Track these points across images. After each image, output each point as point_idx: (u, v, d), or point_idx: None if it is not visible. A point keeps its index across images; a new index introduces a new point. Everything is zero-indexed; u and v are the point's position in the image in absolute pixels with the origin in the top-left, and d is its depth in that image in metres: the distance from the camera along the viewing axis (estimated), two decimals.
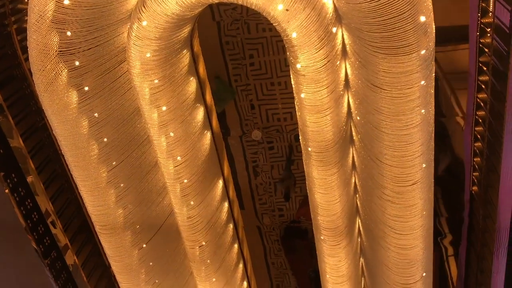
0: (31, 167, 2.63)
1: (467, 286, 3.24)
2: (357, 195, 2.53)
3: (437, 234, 3.39)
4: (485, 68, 2.29)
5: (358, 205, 2.56)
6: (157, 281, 2.64)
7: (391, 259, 2.37)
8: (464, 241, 3.01)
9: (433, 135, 1.97)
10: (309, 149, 2.13)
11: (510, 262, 2.62)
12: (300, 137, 2.18)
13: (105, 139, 2.09)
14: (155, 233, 2.49)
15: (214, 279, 2.85)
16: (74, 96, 1.90)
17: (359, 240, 2.74)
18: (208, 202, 2.51)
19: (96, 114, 2.01)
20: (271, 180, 3.88)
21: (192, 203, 2.42)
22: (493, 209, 2.47)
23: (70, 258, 3.01)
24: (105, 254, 2.56)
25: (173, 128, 2.14)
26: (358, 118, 2.06)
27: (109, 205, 2.24)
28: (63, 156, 2.16)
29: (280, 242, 4.22)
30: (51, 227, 2.94)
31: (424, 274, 2.44)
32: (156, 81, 1.99)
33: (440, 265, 3.53)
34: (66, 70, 1.82)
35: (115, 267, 2.52)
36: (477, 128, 2.53)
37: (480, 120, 2.47)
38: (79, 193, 2.28)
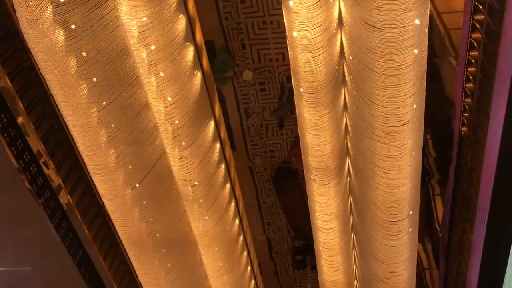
0: (20, 108, 2.60)
1: (452, 223, 3.35)
2: (347, 136, 2.55)
3: (425, 173, 3.46)
4: (481, 7, 2.24)
5: (349, 145, 2.59)
6: (151, 219, 2.69)
7: (379, 198, 2.43)
8: (451, 181, 3.08)
9: (425, 75, 1.96)
10: (301, 89, 2.12)
11: (493, 200, 2.69)
12: (292, 78, 2.16)
13: (94, 79, 2.06)
14: (147, 173, 2.52)
15: (206, 217, 2.92)
16: (60, 34, 1.85)
17: (348, 179, 2.79)
18: (199, 143, 2.52)
19: (84, 53, 1.97)
20: (263, 122, 3.88)
21: (183, 144, 2.43)
22: (481, 149, 2.51)
23: (64, 198, 3.05)
24: (98, 193, 2.59)
25: (163, 67, 2.11)
26: (350, 58, 2.04)
27: (101, 145, 2.24)
28: (52, 96, 2.13)
29: (271, 182, 4.29)
30: (44, 168, 2.95)
31: (410, 212, 2.51)
32: (144, 18, 1.94)
33: (426, 204, 3.63)
34: (51, 7, 1.76)
35: (109, 206, 2.56)
36: (469, 69, 2.52)
37: (473, 61, 2.45)
38: (70, 133, 2.27)
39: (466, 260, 3.27)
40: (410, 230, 2.62)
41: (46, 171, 2.98)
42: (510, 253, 2.86)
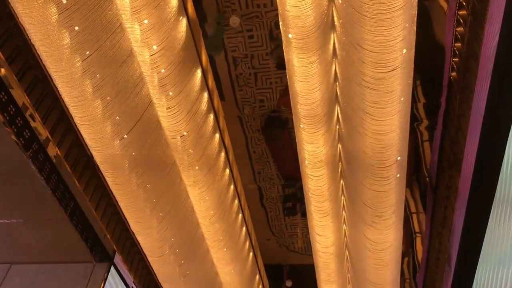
0: (1, 58, 2.53)
1: (440, 168, 3.40)
2: (336, 83, 2.53)
3: (414, 119, 3.47)
4: None
5: (338, 92, 2.57)
6: (140, 170, 2.69)
7: (368, 144, 2.44)
8: (440, 126, 3.10)
9: (415, 19, 1.92)
10: (290, 35, 2.08)
11: (480, 145, 2.72)
12: (280, 24, 2.11)
13: (76, 27, 1.99)
14: (135, 124, 2.49)
15: (196, 167, 2.93)
16: None
17: (337, 127, 2.79)
18: (187, 92, 2.49)
19: (64, 0, 1.89)
20: (251, 70, 3.83)
21: (170, 93, 2.39)
22: (470, 94, 2.51)
23: (52, 150, 3.03)
24: (86, 145, 2.57)
25: (147, 14, 2.04)
26: (340, 1, 1.99)
27: (86, 96, 2.20)
28: (33, 46, 2.07)
29: (261, 132, 4.29)
30: (30, 121, 2.91)
31: (398, 158, 2.53)
32: None
33: (415, 150, 3.67)
34: None
35: (97, 157, 2.55)
36: (460, 12, 2.47)
37: (464, 3, 2.40)
38: (54, 84, 2.22)
39: (453, 204, 3.34)
40: (398, 175, 2.65)
41: (32, 124, 2.94)
42: (495, 197, 2.92)
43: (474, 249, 3.48)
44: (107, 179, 2.72)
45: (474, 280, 3.70)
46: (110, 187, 2.83)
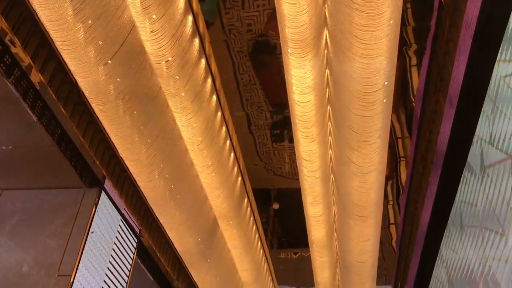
0: None
1: (426, 93, 3.41)
2: (325, 5, 2.46)
3: (403, 43, 3.43)
4: None
5: (326, 15, 2.51)
6: (126, 96, 2.66)
7: (356, 69, 2.43)
8: (428, 50, 3.07)
9: None
10: None
11: (467, 72, 2.72)
12: None
13: None
14: (118, 49, 2.43)
15: (183, 94, 2.90)
16: None
17: (325, 51, 2.75)
18: (170, 15, 2.41)
19: None
20: None
21: (154, 16, 2.31)
22: (460, 17, 2.46)
23: (35, 76, 2.97)
24: (70, 70, 2.52)
25: None
26: None
27: (66, 19, 2.12)
28: None
29: (249, 58, 4.21)
30: (10, 46, 2.83)
31: (386, 83, 2.53)
32: None
33: (402, 75, 3.65)
34: None
35: (82, 83, 2.51)
36: None
37: None
38: (32, 7, 2.14)
39: (438, 128, 3.40)
40: (385, 100, 2.66)
41: (13, 50, 2.86)
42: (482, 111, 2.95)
43: (455, 172, 3.58)
44: (93, 106, 2.70)
45: (454, 203, 3.85)
46: (97, 114, 2.81)
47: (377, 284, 5.09)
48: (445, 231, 4.20)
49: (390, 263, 6.28)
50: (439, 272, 4.56)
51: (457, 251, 3.87)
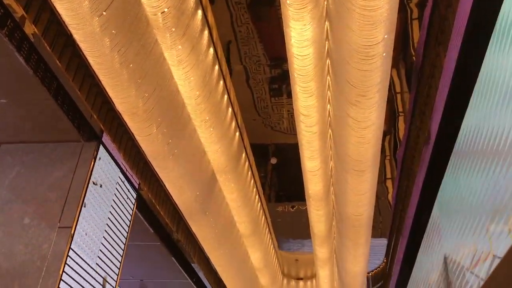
0: None
1: (426, 46, 3.36)
2: None
3: None
4: None
5: None
6: (122, 48, 2.62)
7: (355, 21, 2.38)
8: (430, 2, 3.00)
9: None
10: None
11: (469, 23, 2.67)
12: None
13: None
14: (112, 0, 2.37)
15: (179, 47, 2.86)
16: None
17: (325, 3, 2.69)
18: None
19: None
20: None
21: None
22: None
23: (29, 28, 2.91)
24: (65, 22, 2.47)
25: None
26: None
27: None
28: None
29: (247, 10, 4.12)
30: None
31: (386, 36, 2.48)
32: None
33: (403, 28, 3.59)
34: None
35: (77, 35, 2.46)
36: None
37: None
38: None
39: (437, 83, 3.37)
40: (384, 54, 2.62)
41: (5, 0, 2.79)
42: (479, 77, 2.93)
43: (453, 127, 3.58)
44: (89, 58, 2.66)
45: (450, 158, 3.87)
46: (93, 67, 2.77)
47: (372, 236, 5.19)
48: (440, 185, 4.25)
49: (385, 217, 6.39)
50: (433, 225, 4.65)
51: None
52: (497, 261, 2.84)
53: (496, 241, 2.85)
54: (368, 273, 7.42)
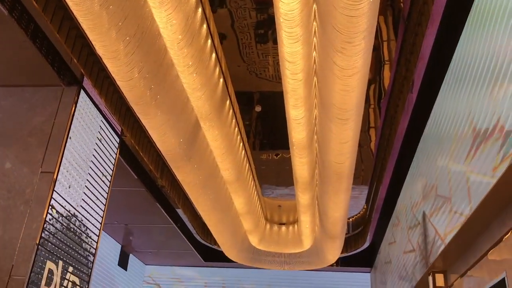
0: None
1: None
2: None
3: None
4: None
5: None
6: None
7: None
8: None
9: None
10: None
11: None
12: None
13: None
14: None
15: None
16: None
17: None
18: None
19: None
20: None
21: None
22: None
23: None
24: None
25: None
26: None
27: None
28: None
29: None
30: None
31: None
32: None
33: None
34: None
35: None
36: None
37: None
38: None
39: (423, 31, 3.33)
40: (372, 0, 2.56)
41: None
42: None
43: (438, 76, 3.58)
44: (67, 1, 2.55)
45: (433, 108, 3.90)
46: (71, 8, 2.67)
47: (354, 184, 5.29)
48: (422, 135, 4.30)
49: (367, 165, 6.49)
50: (413, 173, 4.74)
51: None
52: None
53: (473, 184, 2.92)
54: (349, 218, 7.63)
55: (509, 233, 2.80)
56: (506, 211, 2.84)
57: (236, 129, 4.94)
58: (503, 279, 2.88)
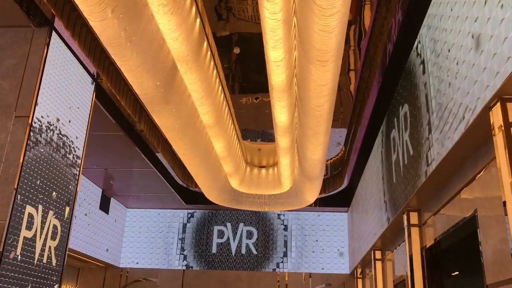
0: None
1: None
2: None
3: None
4: None
5: None
6: None
7: None
8: None
9: None
10: None
11: None
12: None
13: None
14: None
15: None
16: None
17: None
18: None
19: None
20: None
21: None
22: None
23: None
24: None
25: None
26: None
27: None
28: None
29: None
30: None
31: None
32: None
33: None
34: None
35: None
36: None
37: None
38: None
39: None
40: None
41: None
42: None
43: (419, 14, 3.54)
44: None
45: (411, 52, 3.88)
46: None
47: (333, 127, 5.33)
48: (402, 74, 4.30)
49: (347, 108, 6.53)
50: (392, 114, 4.79)
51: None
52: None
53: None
54: (327, 160, 7.75)
55: (481, 172, 2.89)
56: (479, 152, 2.91)
57: (215, 71, 4.86)
58: (474, 216, 3.00)
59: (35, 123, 3.69)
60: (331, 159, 7.95)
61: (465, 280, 6.40)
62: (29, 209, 3.73)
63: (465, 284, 6.65)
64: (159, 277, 9.15)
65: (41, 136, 3.82)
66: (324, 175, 7.09)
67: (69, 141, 4.34)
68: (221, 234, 9.46)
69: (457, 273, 6.11)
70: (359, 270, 8.30)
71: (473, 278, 6.36)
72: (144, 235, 9.49)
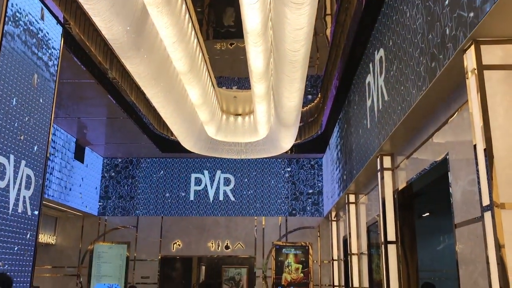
0: None
1: None
2: None
3: None
4: None
5: None
6: None
7: None
8: None
9: None
10: None
11: None
12: None
13: None
14: None
15: None
16: None
17: None
18: None
19: None
20: None
21: None
22: None
23: None
24: None
25: None
26: None
27: None
28: None
29: None
30: None
31: None
32: None
33: None
34: None
35: None
36: None
37: None
38: None
39: None
40: None
41: None
42: None
43: None
44: None
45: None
46: None
47: (309, 73, 5.29)
48: (376, 22, 4.24)
49: (323, 54, 6.47)
50: (368, 59, 4.76)
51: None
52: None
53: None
54: (303, 107, 7.76)
55: (454, 116, 2.92)
56: (452, 96, 2.93)
57: (187, 16, 4.71)
58: (446, 159, 3.06)
59: (0, 71, 3.55)
60: (307, 105, 7.95)
61: (435, 220, 6.67)
62: (0, 159, 3.65)
63: (435, 224, 6.92)
64: (137, 225, 9.25)
65: (8, 84, 3.68)
66: (300, 122, 7.11)
67: (39, 90, 4.21)
68: (198, 181, 9.52)
69: (427, 214, 6.36)
70: (333, 214, 8.52)
71: (443, 218, 6.62)
72: (120, 184, 9.49)
